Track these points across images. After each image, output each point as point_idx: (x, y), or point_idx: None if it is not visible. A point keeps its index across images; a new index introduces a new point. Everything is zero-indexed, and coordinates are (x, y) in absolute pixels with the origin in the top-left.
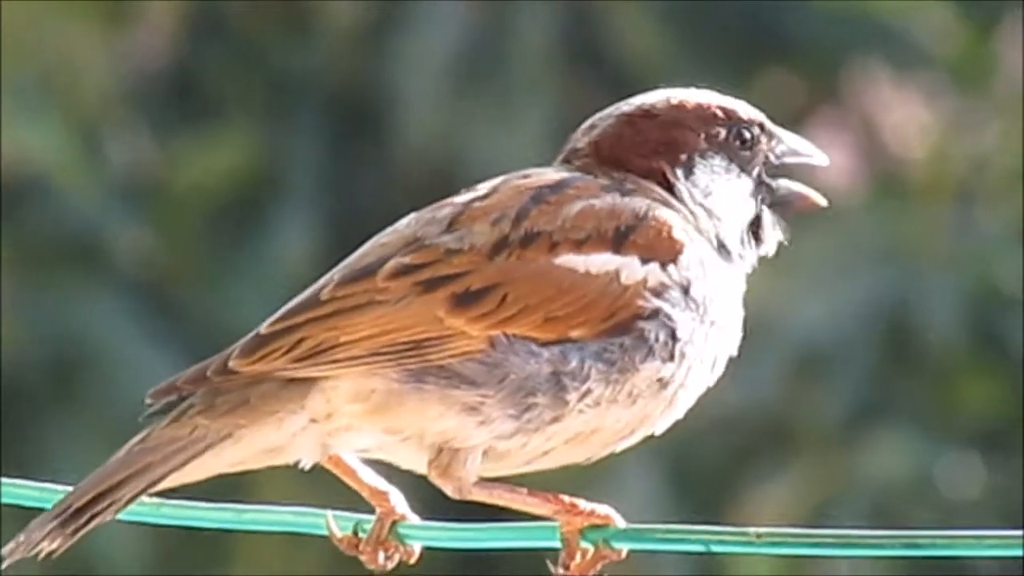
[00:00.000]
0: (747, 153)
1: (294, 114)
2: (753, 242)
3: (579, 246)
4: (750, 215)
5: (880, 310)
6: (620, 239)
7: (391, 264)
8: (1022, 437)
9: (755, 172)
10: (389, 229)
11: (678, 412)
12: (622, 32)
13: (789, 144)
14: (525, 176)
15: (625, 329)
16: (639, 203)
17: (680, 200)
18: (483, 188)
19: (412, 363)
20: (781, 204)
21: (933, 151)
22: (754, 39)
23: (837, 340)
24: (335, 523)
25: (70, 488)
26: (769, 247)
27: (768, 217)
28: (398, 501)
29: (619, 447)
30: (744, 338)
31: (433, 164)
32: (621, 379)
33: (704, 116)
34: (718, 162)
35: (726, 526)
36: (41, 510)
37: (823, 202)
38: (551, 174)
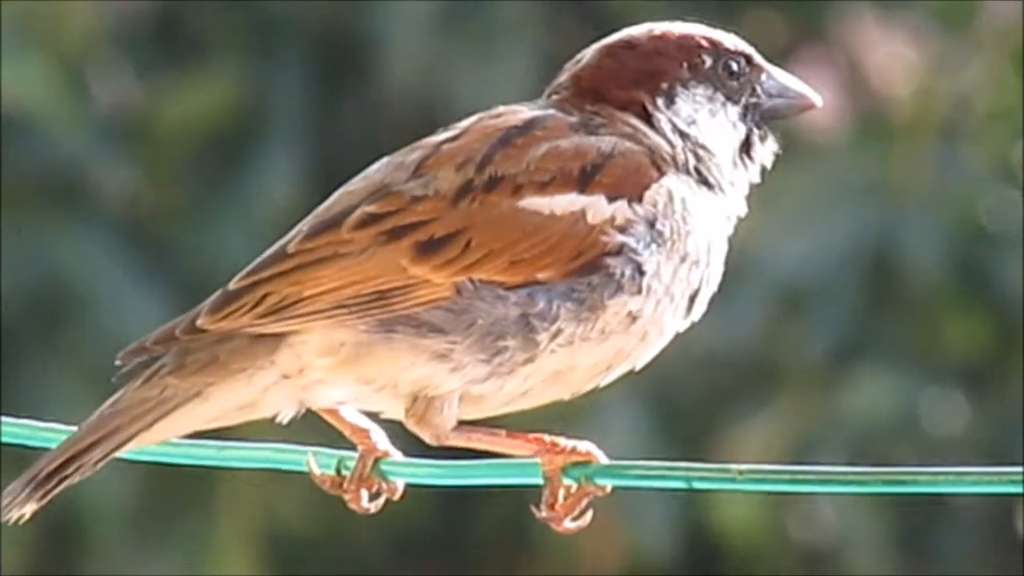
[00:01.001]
0: (734, 83)
1: (279, 53)
2: (746, 164)
3: (543, 188)
4: (739, 140)
5: (863, 248)
6: (586, 178)
7: (357, 214)
8: (1005, 374)
9: (743, 102)
10: (360, 175)
11: (653, 346)
12: None
13: (780, 80)
14: (497, 116)
15: (593, 268)
16: (606, 141)
17: (659, 131)
18: (455, 129)
19: (378, 314)
20: (772, 114)
21: (917, 89)
22: None
23: (820, 278)
24: (316, 461)
25: (56, 425)
26: (762, 164)
27: (758, 136)
28: (379, 438)
29: (601, 382)
30: (726, 274)
31: (417, 103)
32: (591, 317)
33: (688, 46)
34: (702, 91)
35: (708, 463)
36: (22, 447)
37: (816, 98)
38: (524, 113)
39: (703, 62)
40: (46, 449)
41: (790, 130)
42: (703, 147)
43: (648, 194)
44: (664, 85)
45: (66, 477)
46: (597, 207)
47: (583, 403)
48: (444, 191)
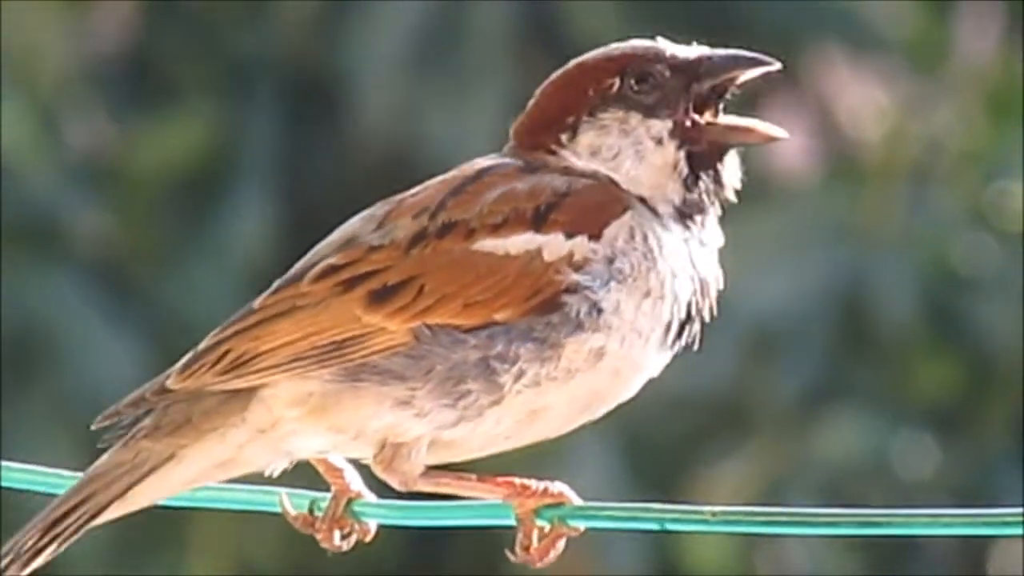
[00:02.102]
0: (655, 95)
1: (251, 95)
2: (689, 186)
3: (496, 229)
4: (668, 158)
5: (835, 290)
6: (540, 217)
7: (319, 266)
8: (976, 417)
9: (673, 113)
10: (342, 226)
11: (630, 382)
12: (577, 12)
13: (718, 59)
14: (459, 169)
15: (551, 306)
16: (559, 180)
17: (574, 166)
18: (425, 184)
19: (338, 364)
20: (721, 142)
21: (888, 132)
22: (710, 20)
23: (792, 320)
24: (289, 501)
25: (39, 468)
26: (714, 189)
27: (702, 159)
28: (353, 478)
29: (588, 419)
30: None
31: (390, 145)
32: (553, 355)
33: (594, 72)
34: (610, 114)
35: (681, 504)
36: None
37: (778, 132)
38: (480, 163)
39: (610, 85)
40: (20, 491)
41: (759, 172)
42: (616, 171)
43: (607, 231)
44: (570, 120)
45: (42, 549)
46: (553, 245)
47: (555, 444)
48: (399, 240)
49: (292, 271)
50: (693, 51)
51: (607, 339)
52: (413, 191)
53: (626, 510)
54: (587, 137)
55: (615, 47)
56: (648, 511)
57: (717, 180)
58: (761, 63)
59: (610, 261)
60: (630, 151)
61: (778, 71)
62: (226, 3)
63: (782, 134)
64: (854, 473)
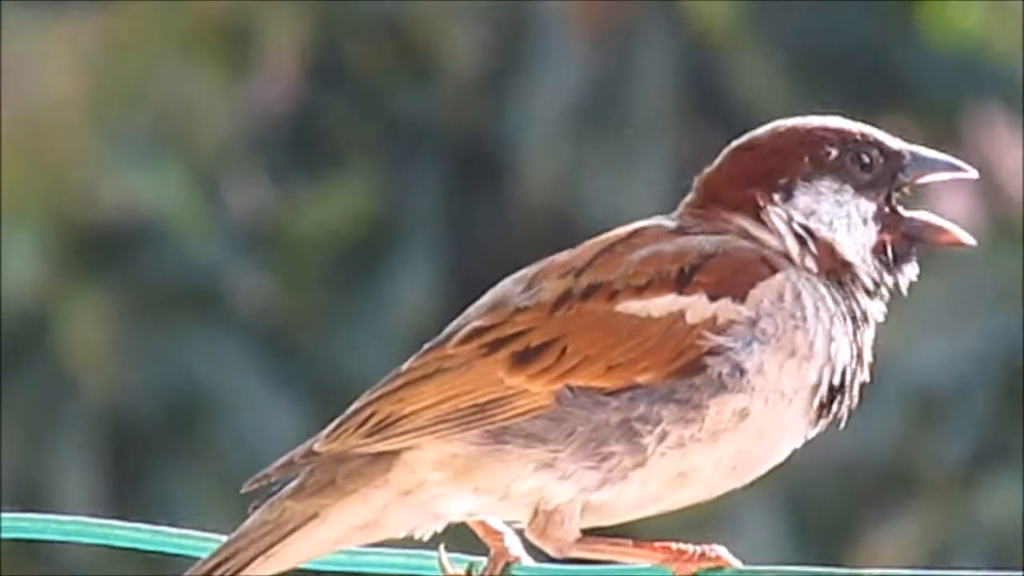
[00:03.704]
0: (867, 176)
1: (414, 159)
2: (880, 268)
3: (640, 292)
4: (870, 239)
5: (998, 353)
6: (684, 279)
7: (466, 329)
8: None
9: (878, 196)
10: (494, 287)
11: (777, 444)
12: (742, 77)
13: (921, 159)
14: (616, 231)
15: (694, 369)
16: (707, 241)
17: (770, 227)
18: (581, 245)
19: (481, 426)
20: (915, 237)
21: None
22: (873, 84)
23: (955, 383)
24: (448, 560)
25: (190, 532)
26: (899, 278)
27: (896, 248)
28: (512, 542)
29: (739, 483)
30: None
31: (553, 209)
32: (697, 416)
33: (811, 139)
34: (827, 183)
35: (843, 567)
36: (161, 554)
37: (968, 239)
38: (637, 224)
39: (828, 153)
40: (180, 556)
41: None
42: (826, 238)
43: (753, 292)
44: (782, 181)
45: None
46: (697, 307)
47: (718, 508)
48: (544, 301)
49: (442, 334)
50: (900, 143)
51: (750, 400)
52: (566, 252)
53: (787, 573)
54: (803, 200)
55: (825, 119)
56: (809, 574)
57: (900, 270)
58: (960, 169)
59: (753, 322)
60: (843, 222)
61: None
62: (389, 66)
63: (972, 242)
64: (1019, 535)
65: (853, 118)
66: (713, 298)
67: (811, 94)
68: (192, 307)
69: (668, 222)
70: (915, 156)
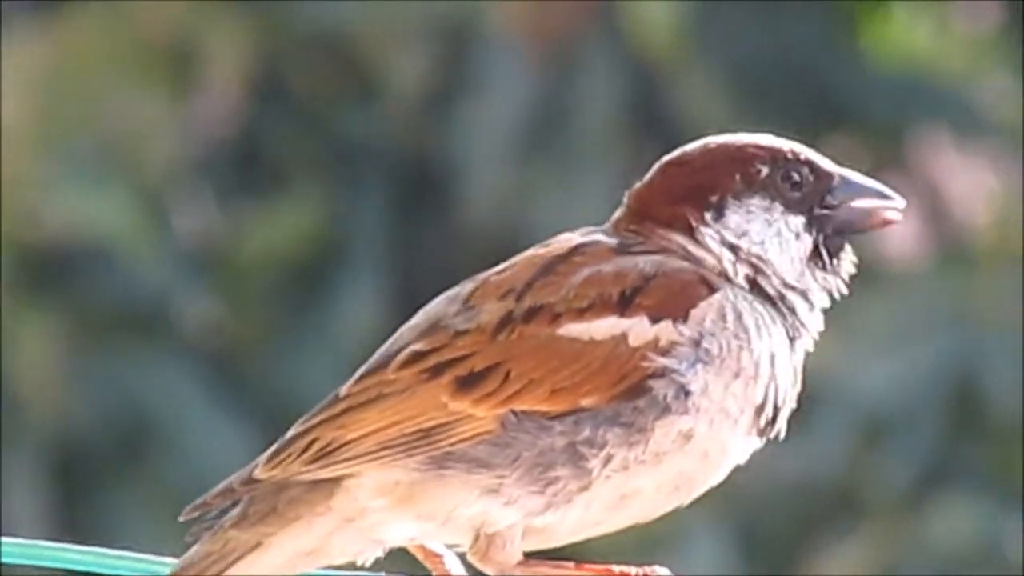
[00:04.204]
0: (796, 194)
1: (359, 181)
2: (816, 276)
3: (581, 314)
4: (803, 250)
5: (946, 375)
6: (626, 302)
7: (404, 353)
8: None
9: (807, 212)
10: (425, 307)
11: (719, 465)
12: (687, 98)
13: (854, 184)
14: (547, 245)
15: (638, 391)
16: (647, 262)
17: (703, 245)
18: (512, 260)
19: (425, 452)
20: (845, 230)
21: (998, 216)
22: (818, 106)
23: (903, 406)
24: None
25: (140, 555)
26: (837, 278)
27: (829, 246)
28: (453, 564)
29: (679, 503)
30: (809, 400)
31: (498, 230)
32: (641, 439)
33: (741, 156)
34: (756, 201)
35: None
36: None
37: (895, 213)
38: (572, 240)
39: (758, 172)
40: None
41: (871, 258)
42: (758, 258)
43: (695, 312)
44: (713, 198)
45: None
46: (638, 330)
47: (666, 530)
48: (485, 324)
49: (376, 357)
50: (831, 165)
51: (695, 421)
52: (499, 268)
53: None
54: (735, 219)
55: (757, 137)
56: None
57: (837, 269)
58: (890, 200)
59: (696, 343)
60: (775, 241)
61: (890, 159)
62: (333, 87)
63: (899, 217)
64: (967, 559)
65: (797, 140)
66: (655, 320)
67: (756, 115)
68: (139, 330)
69: (607, 239)
70: (845, 180)
